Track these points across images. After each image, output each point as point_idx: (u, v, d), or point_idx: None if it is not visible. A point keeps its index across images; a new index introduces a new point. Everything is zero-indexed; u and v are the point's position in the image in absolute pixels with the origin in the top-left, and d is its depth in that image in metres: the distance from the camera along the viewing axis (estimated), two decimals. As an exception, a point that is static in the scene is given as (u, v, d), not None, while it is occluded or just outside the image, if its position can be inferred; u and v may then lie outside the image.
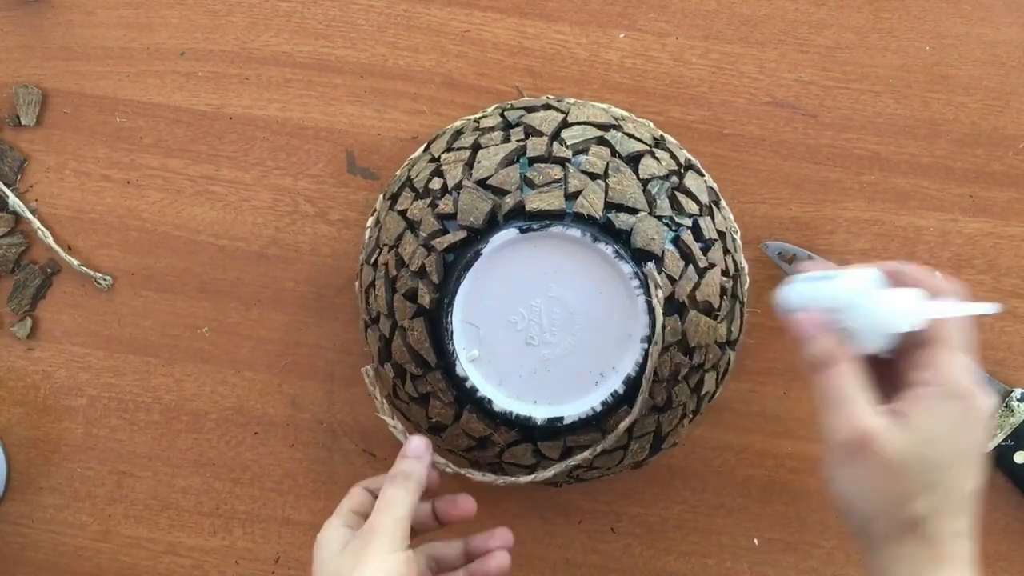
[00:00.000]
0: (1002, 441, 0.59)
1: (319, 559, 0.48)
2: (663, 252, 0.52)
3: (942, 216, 0.61)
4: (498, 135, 0.54)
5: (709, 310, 0.53)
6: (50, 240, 0.62)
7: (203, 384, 0.63)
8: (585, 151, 0.53)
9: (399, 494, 0.49)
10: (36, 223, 0.62)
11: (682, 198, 0.54)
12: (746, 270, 0.58)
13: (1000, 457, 0.60)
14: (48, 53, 0.63)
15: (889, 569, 0.44)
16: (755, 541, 0.62)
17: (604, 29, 0.62)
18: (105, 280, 0.63)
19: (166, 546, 0.63)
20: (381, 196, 0.60)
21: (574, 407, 0.53)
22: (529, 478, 0.55)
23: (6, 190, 0.62)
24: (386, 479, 0.50)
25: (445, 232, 0.52)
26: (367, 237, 0.59)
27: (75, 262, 0.62)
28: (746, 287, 0.58)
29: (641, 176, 0.53)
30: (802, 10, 0.61)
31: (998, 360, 0.61)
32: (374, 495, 0.50)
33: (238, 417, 0.63)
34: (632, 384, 0.52)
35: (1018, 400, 0.59)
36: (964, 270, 0.61)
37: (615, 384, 0.52)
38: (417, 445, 0.51)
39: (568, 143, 0.53)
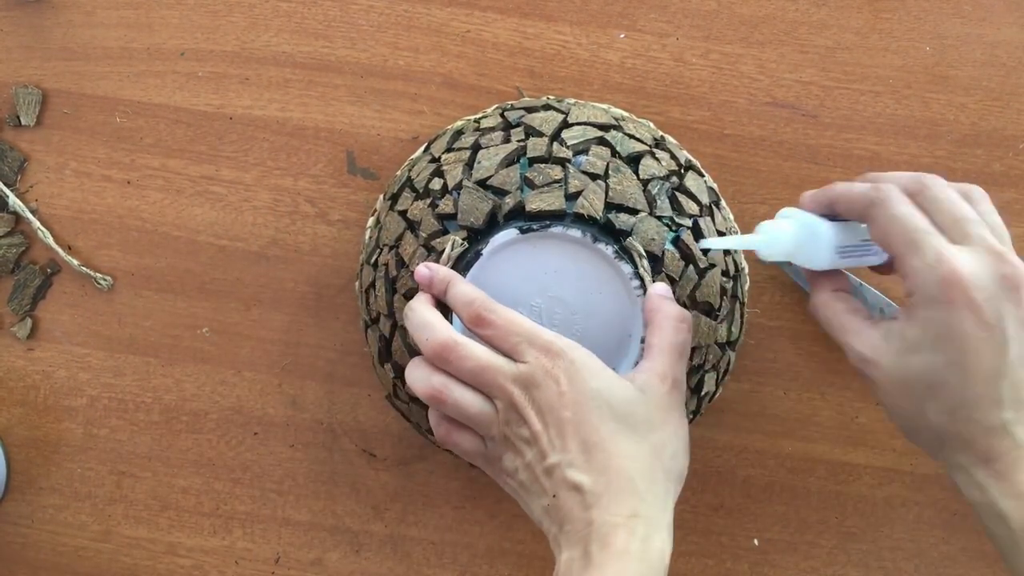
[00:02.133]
0: (1002, 441, 0.59)
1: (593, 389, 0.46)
2: (663, 252, 0.52)
3: (942, 216, 0.61)
4: (498, 135, 0.54)
5: (709, 310, 0.53)
6: (50, 240, 0.62)
7: (203, 384, 0.63)
8: (585, 151, 0.53)
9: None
10: (36, 223, 0.62)
11: (682, 198, 0.54)
12: (746, 270, 0.58)
13: (1000, 457, 0.60)
14: (48, 53, 0.63)
15: (957, 485, 0.45)
16: (755, 541, 0.62)
17: (604, 29, 0.62)
18: (105, 280, 0.63)
19: (166, 546, 0.63)
20: (381, 196, 0.60)
21: None
22: None
23: (6, 190, 0.62)
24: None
25: (445, 232, 0.52)
26: (367, 237, 0.59)
27: (75, 262, 0.62)
28: (746, 287, 0.58)
29: (641, 176, 0.53)
30: (802, 11, 0.61)
31: (998, 360, 0.61)
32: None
33: (238, 417, 0.63)
34: None
35: (1018, 400, 0.59)
36: (964, 270, 0.61)
37: None
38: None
39: (568, 143, 0.53)
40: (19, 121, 0.63)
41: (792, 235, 0.49)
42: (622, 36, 0.62)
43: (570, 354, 0.47)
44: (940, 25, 0.61)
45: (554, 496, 0.46)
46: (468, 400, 0.48)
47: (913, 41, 0.61)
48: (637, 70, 0.62)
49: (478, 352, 0.47)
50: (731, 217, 0.59)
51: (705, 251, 0.53)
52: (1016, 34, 0.61)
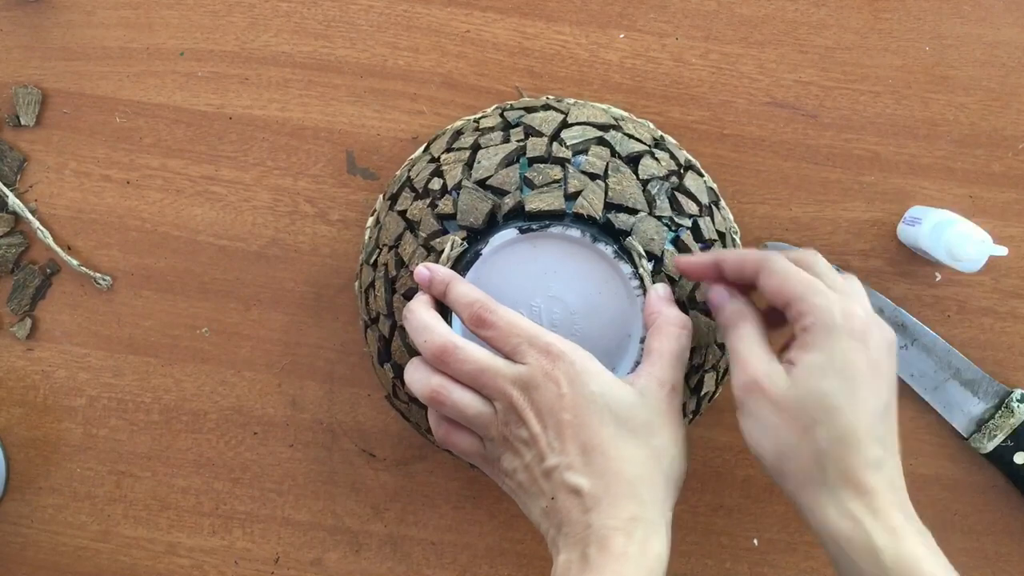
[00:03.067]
0: (1002, 441, 0.59)
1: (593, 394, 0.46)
2: (663, 252, 0.52)
3: (942, 216, 0.61)
4: (498, 135, 0.54)
5: (709, 311, 0.53)
6: (50, 240, 0.62)
7: (203, 384, 0.63)
8: (585, 151, 0.53)
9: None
10: (36, 223, 0.62)
11: (682, 198, 0.54)
12: None
13: (1000, 457, 0.60)
14: (48, 53, 0.63)
15: (817, 516, 0.45)
16: (755, 541, 0.62)
17: (604, 29, 0.62)
18: (105, 280, 0.63)
19: (165, 546, 0.63)
20: (381, 196, 0.60)
21: None
22: None
23: (6, 190, 0.62)
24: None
25: (445, 232, 0.52)
26: (367, 237, 0.59)
27: (75, 262, 0.62)
28: None
29: (641, 176, 0.53)
30: (802, 11, 0.61)
31: (998, 360, 0.61)
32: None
33: (238, 417, 0.63)
34: None
35: (1018, 401, 0.59)
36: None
37: None
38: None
39: (568, 143, 0.53)
40: (19, 121, 0.63)
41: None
42: (622, 36, 0.62)
43: (571, 356, 0.47)
44: (940, 25, 0.61)
45: (552, 498, 0.46)
46: (467, 401, 0.48)
47: (913, 41, 0.61)
48: (637, 70, 0.62)
49: (477, 355, 0.47)
50: (731, 217, 0.59)
51: (706, 249, 0.53)
52: (1016, 34, 0.61)
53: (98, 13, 0.63)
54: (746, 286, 0.49)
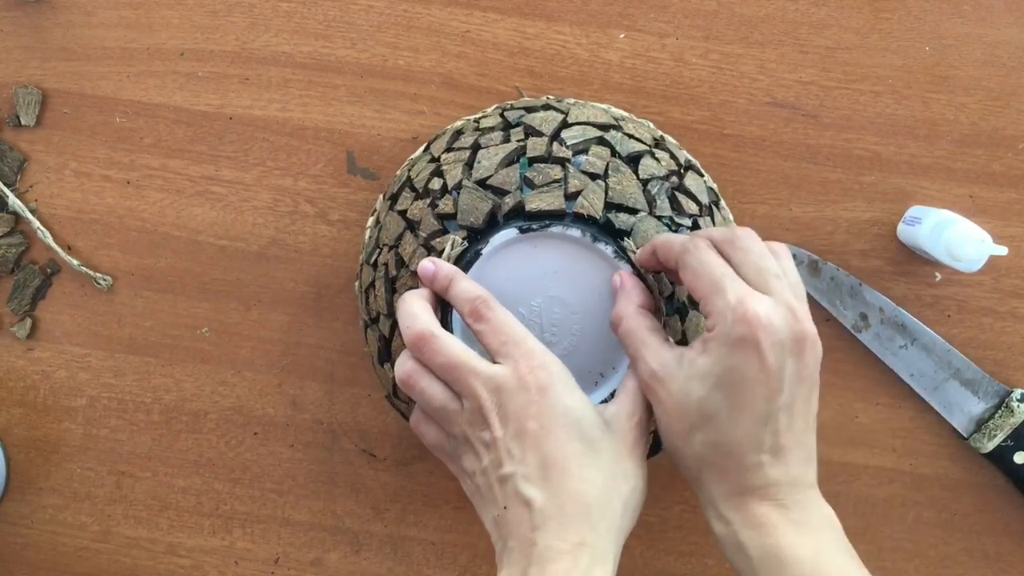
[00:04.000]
0: (1002, 441, 0.59)
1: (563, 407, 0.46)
2: None
3: (942, 216, 0.61)
4: (498, 135, 0.54)
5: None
6: (50, 240, 0.62)
7: (203, 384, 0.63)
8: (585, 151, 0.53)
9: None
10: (36, 223, 0.62)
11: (682, 198, 0.54)
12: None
13: (1000, 457, 0.60)
14: (48, 53, 0.63)
15: (706, 517, 0.46)
16: (755, 541, 0.62)
17: (604, 29, 0.62)
18: (105, 280, 0.63)
19: (166, 546, 0.63)
20: (381, 196, 0.60)
21: None
22: None
23: (6, 190, 0.62)
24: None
25: (445, 232, 0.52)
26: (367, 237, 0.59)
27: (75, 262, 0.62)
28: None
29: (641, 176, 0.53)
30: (802, 11, 0.61)
31: (998, 360, 0.61)
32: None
33: (238, 417, 0.63)
34: None
35: (1018, 400, 0.59)
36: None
37: (615, 384, 0.52)
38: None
39: (568, 143, 0.53)
40: (19, 121, 0.63)
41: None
42: (622, 36, 0.62)
43: (551, 366, 0.46)
44: (940, 25, 0.61)
45: (504, 508, 0.46)
46: (433, 392, 0.48)
47: (913, 41, 0.61)
48: (637, 70, 0.62)
49: (452, 349, 0.47)
50: (731, 217, 0.59)
51: None
52: (1016, 34, 0.61)
53: (98, 13, 0.63)
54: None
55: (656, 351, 0.47)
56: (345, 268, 0.63)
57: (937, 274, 0.61)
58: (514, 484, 0.45)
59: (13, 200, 0.62)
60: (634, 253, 0.51)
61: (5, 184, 0.63)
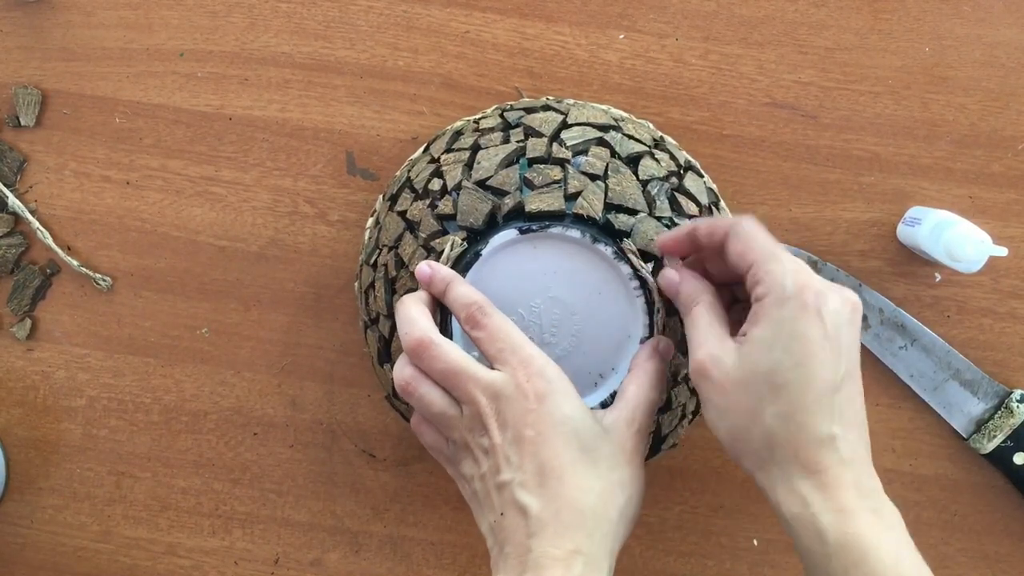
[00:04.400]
0: (1002, 442, 0.59)
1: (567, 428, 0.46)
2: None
3: (942, 217, 0.61)
4: (498, 136, 0.54)
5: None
6: (49, 241, 0.62)
7: (203, 385, 0.63)
8: (585, 152, 0.53)
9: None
10: (36, 224, 0.62)
11: (682, 199, 0.54)
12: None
13: (1000, 458, 0.60)
14: (48, 54, 0.63)
15: (771, 497, 0.44)
16: (754, 542, 0.62)
17: (604, 30, 0.62)
18: (105, 281, 0.63)
19: (165, 547, 0.63)
20: (381, 197, 0.60)
21: None
22: None
23: (6, 191, 0.62)
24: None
25: (444, 233, 0.52)
26: (367, 238, 0.59)
27: (75, 263, 0.62)
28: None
29: (641, 177, 0.53)
30: (802, 11, 0.61)
31: (998, 361, 0.61)
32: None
33: (238, 418, 0.63)
34: None
35: (1017, 401, 0.59)
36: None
37: (614, 385, 0.52)
38: None
39: (568, 144, 0.53)
40: (19, 122, 0.63)
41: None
42: (621, 37, 0.62)
43: (549, 373, 0.46)
44: (939, 26, 0.61)
45: (501, 514, 0.46)
46: (432, 398, 0.48)
47: (912, 42, 0.61)
48: (636, 71, 0.62)
49: (451, 355, 0.47)
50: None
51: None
52: (1015, 35, 0.61)
53: (98, 14, 0.63)
54: (718, 259, 0.49)
55: (717, 338, 0.45)
56: (345, 269, 0.63)
57: (937, 275, 0.61)
58: (511, 491, 0.45)
59: (13, 200, 0.62)
60: (634, 253, 0.51)
61: (5, 184, 0.63)
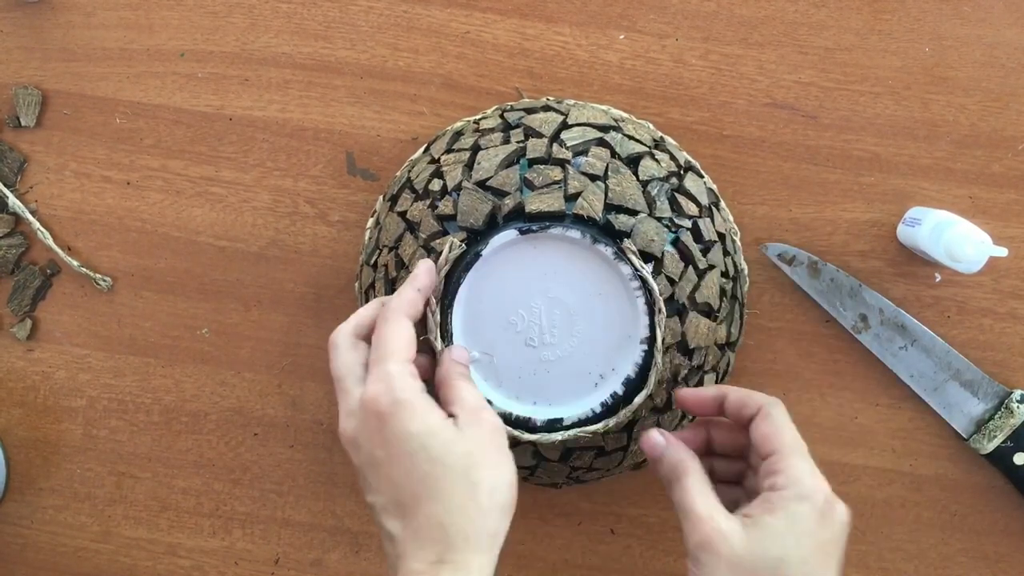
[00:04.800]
0: (1002, 442, 0.59)
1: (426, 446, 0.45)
2: (663, 253, 0.52)
3: (942, 217, 0.61)
4: (498, 136, 0.54)
5: (709, 312, 0.53)
6: (50, 241, 0.62)
7: (203, 385, 0.63)
8: (585, 152, 0.53)
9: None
10: (36, 224, 0.62)
11: (682, 200, 0.54)
12: (746, 272, 0.58)
13: (1000, 458, 0.60)
14: (48, 54, 0.63)
15: None
16: (755, 542, 0.62)
17: (604, 30, 0.62)
18: (105, 281, 0.63)
19: (166, 547, 0.63)
20: (381, 197, 0.60)
21: (573, 408, 0.53)
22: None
23: (6, 191, 0.62)
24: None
25: (445, 233, 0.52)
26: (367, 238, 0.59)
27: (75, 263, 0.62)
28: (746, 289, 0.58)
29: (641, 177, 0.53)
30: (802, 12, 0.61)
31: (998, 361, 0.61)
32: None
33: (238, 418, 0.63)
34: (632, 386, 0.52)
35: (1018, 401, 0.59)
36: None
37: (615, 386, 0.52)
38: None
39: (568, 144, 0.53)
40: (19, 122, 0.63)
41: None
42: (622, 37, 0.62)
43: (397, 386, 0.45)
44: (939, 26, 0.61)
45: (382, 531, 0.46)
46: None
47: (912, 42, 0.61)
48: (637, 71, 0.62)
49: (336, 364, 0.47)
50: (731, 218, 0.59)
51: (706, 250, 0.53)
52: (1015, 35, 0.61)
53: (98, 14, 0.63)
54: (730, 432, 0.50)
55: (717, 509, 0.46)
56: (345, 269, 0.63)
57: (937, 275, 0.61)
58: (378, 516, 0.46)
59: (13, 201, 0.62)
60: (634, 253, 0.51)
61: (5, 185, 0.63)
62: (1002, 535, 0.62)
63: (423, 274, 0.49)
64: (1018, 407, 0.59)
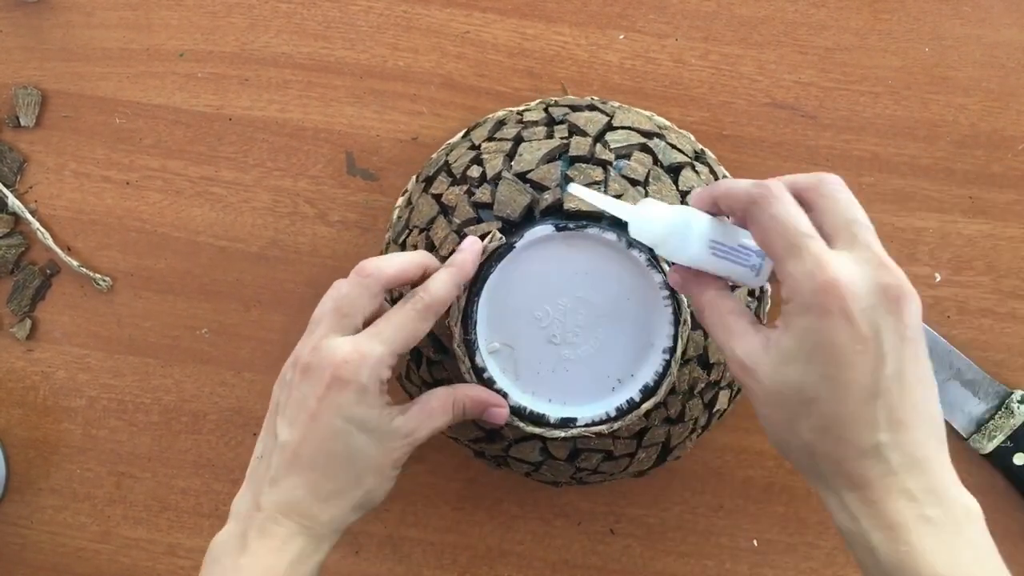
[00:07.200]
0: (1002, 442, 0.59)
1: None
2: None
3: (942, 218, 0.61)
4: (541, 130, 0.54)
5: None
6: (49, 241, 0.62)
7: (203, 385, 0.63)
8: (627, 156, 0.53)
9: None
10: (36, 224, 0.62)
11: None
12: (769, 292, 0.58)
13: (1000, 458, 0.60)
14: (48, 54, 0.63)
15: (830, 510, 0.41)
16: (754, 542, 0.62)
17: (603, 30, 0.62)
18: (105, 281, 0.63)
19: (165, 547, 0.63)
20: (414, 178, 0.59)
21: (588, 410, 0.52)
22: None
23: (6, 191, 0.62)
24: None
25: (479, 220, 0.52)
26: (395, 217, 0.58)
27: (75, 263, 0.62)
28: (767, 309, 0.58)
29: (680, 188, 0.53)
30: (801, 11, 0.61)
31: (998, 361, 0.61)
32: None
33: (238, 418, 0.63)
34: (649, 393, 0.52)
35: (1018, 402, 0.59)
36: (964, 271, 0.61)
37: (632, 392, 0.52)
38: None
39: (612, 146, 0.53)
40: (18, 122, 0.63)
41: (668, 220, 0.43)
42: (621, 37, 0.62)
43: (365, 375, 0.46)
44: (939, 26, 0.61)
45: (260, 457, 0.48)
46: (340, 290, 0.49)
47: (912, 42, 0.61)
48: (636, 71, 0.62)
49: (344, 301, 0.47)
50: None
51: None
52: (1015, 35, 0.61)
53: (98, 14, 0.63)
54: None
55: (742, 338, 0.41)
56: (345, 269, 0.62)
57: (937, 275, 0.61)
58: (274, 426, 0.47)
59: (13, 201, 0.62)
60: (667, 263, 0.50)
61: (5, 185, 0.63)
62: (1002, 535, 0.61)
63: (470, 263, 0.49)
64: (1018, 407, 0.59)
